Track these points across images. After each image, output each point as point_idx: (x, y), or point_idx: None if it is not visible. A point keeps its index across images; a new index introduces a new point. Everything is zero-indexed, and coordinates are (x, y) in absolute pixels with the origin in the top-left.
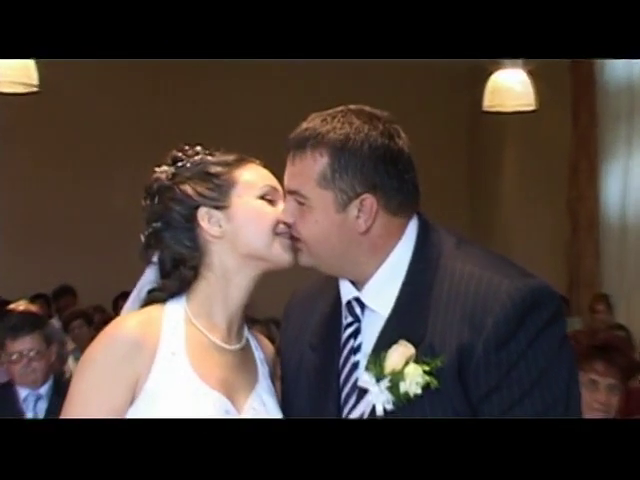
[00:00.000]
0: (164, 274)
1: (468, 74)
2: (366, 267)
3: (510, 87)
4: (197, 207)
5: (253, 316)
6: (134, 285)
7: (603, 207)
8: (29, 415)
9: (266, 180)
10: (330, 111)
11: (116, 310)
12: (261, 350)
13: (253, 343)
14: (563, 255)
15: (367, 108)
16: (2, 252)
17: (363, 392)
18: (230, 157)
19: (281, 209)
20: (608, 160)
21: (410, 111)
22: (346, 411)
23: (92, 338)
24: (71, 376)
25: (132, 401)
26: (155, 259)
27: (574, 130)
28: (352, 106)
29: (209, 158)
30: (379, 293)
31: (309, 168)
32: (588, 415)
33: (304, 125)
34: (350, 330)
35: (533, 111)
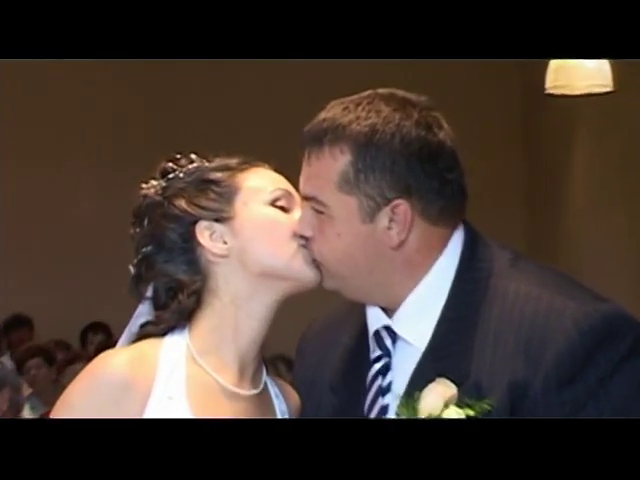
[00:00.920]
0: (159, 305)
1: None
2: (399, 289)
3: (579, 64)
4: (195, 222)
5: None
6: (107, 312)
7: None
8: None
9: (277, 183)
10: (353, 97)
11: (85, 346)
12: (283, 399)
13: (273, 390)
14: None
15: (399, 92)
16: None
17: None
18: (232, 161)
19: (297, 218)
20: None
21: (453, 96)
22: None
23: (53, 381)
24: None
25: None
26: (149, 293)
27: None
28: (381, 90)
29: (207, 165)
30: (414, 320)
31: (328, 168)
32: None
33: (322, 115)
34: (378, 366)
35: (608, 93)
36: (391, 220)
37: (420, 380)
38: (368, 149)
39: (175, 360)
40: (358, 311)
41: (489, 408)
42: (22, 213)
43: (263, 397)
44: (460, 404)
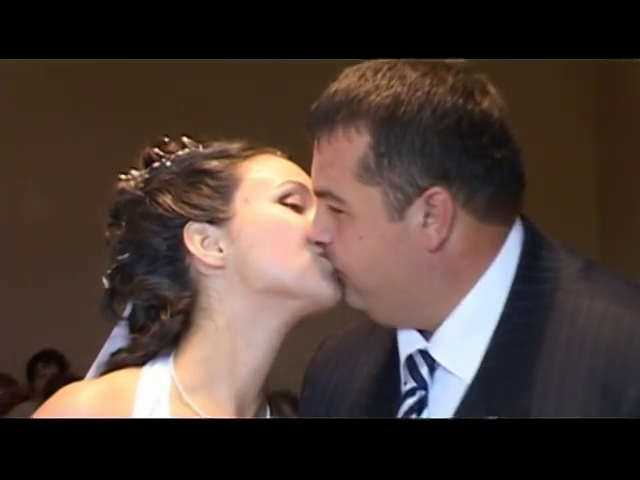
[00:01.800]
0: (136, 327)
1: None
2: (440, 304)
3: None
4: (184, 224)
5: None
6: (61, 338)
7: None
8: None
9: (287, 174)
10: (372, 62)
11: (32, 380)
12: None
13: None
14: None
15: None
16: None
17: None
18: (233, 146)
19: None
20: None
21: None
22: None
23: None
24: None
25: None
26: (127, 312)
27: None
28: None
29: (201, 151)
30: (458, 344)
31: (343, 154)
32: None
33: (333, 87)
34: (411, 401)
35: None
36: (427, 214)
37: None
38: (391, 126)
39: (156, 397)
40: (384, 330)
41: None
42: None
43: None
44: None
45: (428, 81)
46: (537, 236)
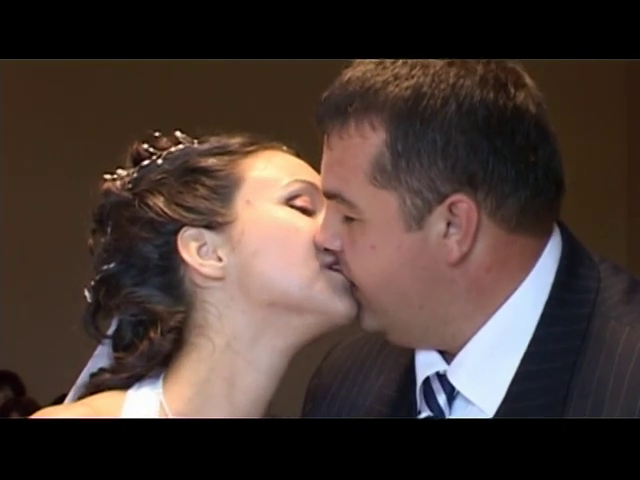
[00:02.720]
0: (122, 345)
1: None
2: (463, 323)
3: None
4: (178, 230)
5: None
6: (16, 358)
7: None
8: None
9: (296, 173)
10: None
11: None
12: None
13: None
14: None
15: None
16: None
17: None
18: (233, 141)
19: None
20: None
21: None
22: None
23: None
24: None
25: None
26: (112, 329)
27: None
28: None
29: (196, 147)
30: (480, 371)
31: (355, 152)
32: None
33: (347, 74)
34: None
35: None
36: (448, 224)
37: None
38: (411, 122)
39: None
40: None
41: None
42: None
43: None
44: None
45: (454, 71)
46: (576, 250)
